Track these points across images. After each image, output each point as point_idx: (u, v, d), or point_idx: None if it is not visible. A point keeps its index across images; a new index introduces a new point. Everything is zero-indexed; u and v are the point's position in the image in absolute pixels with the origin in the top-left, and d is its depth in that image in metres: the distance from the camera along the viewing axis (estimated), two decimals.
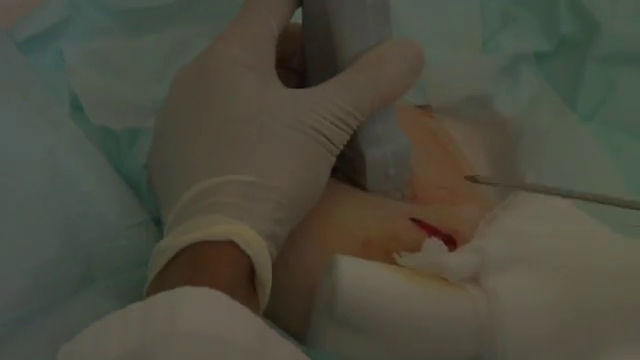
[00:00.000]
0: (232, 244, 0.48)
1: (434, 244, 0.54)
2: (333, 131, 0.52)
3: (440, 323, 0.52)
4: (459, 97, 0.70)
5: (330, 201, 0.55)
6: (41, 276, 0.56)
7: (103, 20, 0.70)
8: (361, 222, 0.57)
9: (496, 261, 0.54)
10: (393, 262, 0.54)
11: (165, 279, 0.48)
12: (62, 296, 0.57)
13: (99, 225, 0.59)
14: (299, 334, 0.55)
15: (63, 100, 0.66)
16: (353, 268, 0.52)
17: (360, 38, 0.54)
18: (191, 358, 0.40)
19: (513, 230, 0.57)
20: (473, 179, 0.56)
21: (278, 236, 0.50)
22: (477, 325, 0.52)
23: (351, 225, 0.57)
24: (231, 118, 0.51)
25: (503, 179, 0.54)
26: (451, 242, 0.57)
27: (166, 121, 0.54)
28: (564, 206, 0.59)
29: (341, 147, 0.53)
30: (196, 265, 0.47)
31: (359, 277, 0.51)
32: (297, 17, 0.56)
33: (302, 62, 0.59)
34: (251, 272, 0.49)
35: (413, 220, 0.58)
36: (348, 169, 0.58)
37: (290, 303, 0.55)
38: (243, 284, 0.48)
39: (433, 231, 0.57)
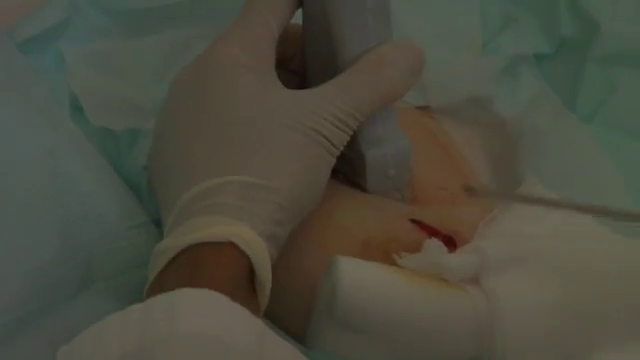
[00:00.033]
0: (232, 245, 0.48)
1: (434, 245, 0.54)
2: (333, 132, 0.52)
3: (440, 324, 0.52)
4: (459, 98, 0.70)
5: (330, 202, 0.55)
6: (41, 277, 0.56)
7: (103, 21, 0.70)
8: (361, 223, 0.57)
9: (496, 262, 0.54)
10: (393, 263, 0.54)
11: (165, 280, 0.48)
12: (62, 297, 0.57)
13: (99, 226, 0.59)
14: (299, 335, 0.55)
15: (63, 101, 0.65)
16: (353, 269, 0.52)
17: (360, 39, 0.54)
18: (190, 359, 0.40)
19: (513, 231, 0.57)
20: (471, 190, 0.56)
21: (278, 237, 0.50)
22: (477, 325, 0.52)
23: (351, 226, 0.57)
24: (231, 119, 0.51)
25: (501, 190, 0.54)
26: (451, 243, 0.57)
27: (166, 122, 0.54)
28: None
29: (341, 148, 0.53)
30: (196, 266, 0.47)
31: (359, 278, 0.52)
32: (297, 18, 0.56)
33: (302, 63, 0.59)
34: (251, 273, 0.49)
35: (413, 221, 0.58)
36: (348, 170, 0.58)
37: (290, 304, 0.56)
38: (243, 285, 0.48)
39: (433, 232, 0.57)
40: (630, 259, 0.55)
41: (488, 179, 0.67)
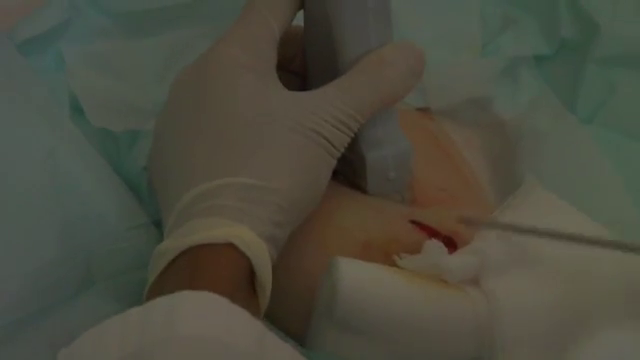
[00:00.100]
0: (232, 246, 0.48)
1: (434, 246, 0.54)
2: (334, 134, 0.52)
3: (440, 324, 0.52)
4: (459, 99, 0.70)
5: (330, 203, 0.55)
6: (41, 278, 0.56)
7: (103, 22, 0.70)
8: (361, 225, 0.57)
9: (495, 263, 0.54)
10: (393, 264, 0.54)
11: (165, 281, 0.48)
12: (62, 298, 0.57)
13: (99, 227, 0.59)
14: (299, 336, 0.55)
15: (63, 102, 0.65)
16: (353, 270, 0.52)
17: (361, 41, 0.54)
18: None
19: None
20: (467, 220, 0.56)
21: (278, 239, 0.50)
22: (477, 326, 0.52)
23: (351, 227, 0.57)
24: (231, 120, 0.51)
25: (498, 221, 0.55)
26: (451, 244, 0.57)
27: (166, 123, 0.54)
28: (564, 208, 0.60)
29: (342, 150, 0.53)
30: (196, 267, 0.47)
31: (359, 279, 0.52)
32: (298, 19, 0.56)
33: (303, 64, 0.59)
34: (251, 274, 0.49)
35: (413, 222, 0.58)
36: (348, 172, 0.58)
37: (290, 305, 0.55)
38: (243, 286, 0.48)
39: (433, 233, 0.57)
40: (630, 260, 0.55)
41: (488, 180, 0.67)
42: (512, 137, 0.69)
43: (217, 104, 0.52)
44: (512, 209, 0.59)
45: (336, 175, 0.56)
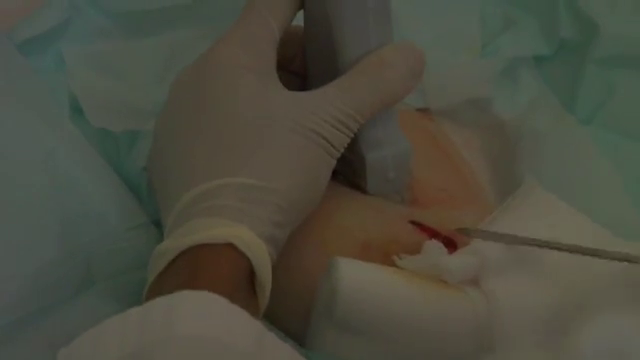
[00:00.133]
0: (231, 246, 0.48)
1: (434, 246, 0.55)
2: (334, 134, 0.52)
3: (440, 325, 0.52)
4: (458, 100, 0.70)
5: (330, 204, 0.55)
6: (40, 278, 0.56)
7: (103, 22, 0.70)
8: (361, 225, 0.57)
9: (495, 263, 0.54)
10: (393, 264, 0.54)
11: (164, 281, 0.48)
12: (62, 298, 0.57)
13: (99, 227, 0.59)
14: (299, 336, 0.55)
15: (63, 102, 0.65)
16: (353, 270, 0.52)
17: (361, 41, 0.54)
18: None
19: (512, 232, 0.57)
20: (465, 231, 0.56)
21: (278, 239, 0.50)
22: (476, 327, 0.52)
23: (351, 228, 0.57)
24: (231, 120, 0.51)
25: (495, 232, 0.55)
26: (451, 244, 0.57)
27: (166, 123, 0.54)
28: (563, 208, 0.60)
29: (342, 150, 0.53)
30: (195, 267, 0.47)
31: (359, 279, 0.52)
32: (298, 19, 0.56)
33: (303, 65, 0.59)
34: (251, 274, 0.49)
35: (413, 223, 0.58)
36: (348, 172, 0.58)
37: (290, 305, 0.56)
38: (243, 286, 0.48)
39: (433, 234, 0.58)
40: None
41: (487, 180, 0.67)
42: (511, 137, 0.69)
43: (217, 104, 0.52)
44: (512, 210, 0.60)
45: (336, 175, 0.56)
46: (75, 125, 0.64)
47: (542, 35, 0.73)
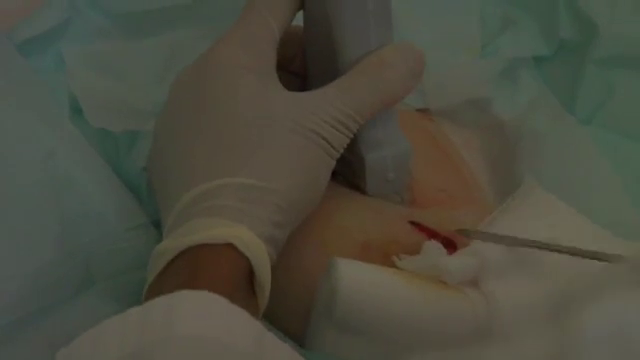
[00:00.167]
0: (231, 247, 0.48)
1: (433, 247, 0.55)
2: (333, 134, 0.52)
3: (439, 326, 0.52)
4: (458, 100, 0.70)
5: (330, 204, 0.55)
6: (40, 278, 0.56)
7: (103, 22, 0.70)
8: (360, 225, 0.57)
9: (495, 264, 0.54)
10: (392, 265, 0.54)
11: (164, 281, 0.48)
12: (61, 298, 0.57)
13: (98, 227, 0.59)
14: (298, 336, 0.55)
15: (62, 102, 0.65)
16: (352, 271, 0.52)
17: (361, 42, 0.54)
18: None
19: (512, 233, 0.57)
20: (465, 232, 0.56)
21: (277, 239, 0.50)
22: (476, 328, 0.52)
23: (350, 228, 0.57)
24: (231, 120, 0.51)
25: (495, 233, 0.55)
26: (450, 245, 0.57)
27: (166, 123, 0.54)
28: (563, 209, 0.60)
29: (341, 150, 0.53)
30: (195, 267, 0.47)
31: (358, 280, 0.52)
32: (298, 20, 0.56)
33: (303, 65, 0.59)
34: (250, 274, 0.49)
35: (412, 223, 0.58)
36: (348, 172, 0.58)
37: (289, 305, 0.56)
38: (242, 286, 0.48)
39: (432, 234, 0.58)
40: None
41: (487, 181, 0.67)
42: (511, 138, 0.69)
43: (217, 104, 0.52)
44: (511, 210, 0.60)
45: (335, 176, 0.56)
46: (75, 125, 0.64)
47: (542, 35, 0.73)
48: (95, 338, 0.42)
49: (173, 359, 0.40)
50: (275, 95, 0.52)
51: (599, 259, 0.52)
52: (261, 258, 0.48)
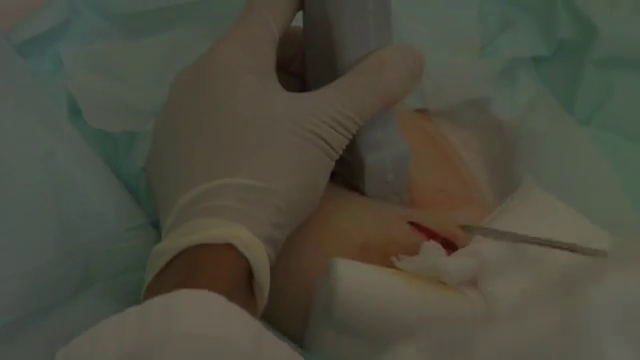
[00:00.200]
0: (230, 247, 0.48)
1: (432, 247, 0.55)
2: (333, 135, 0.52)
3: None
4: (457, 101, 0.70)
5: (328, 205, 0.55)
6: (40, 278, 0.56)
7: (102, 23, 0.70)
8: (359, 226, 0.57)
9: (494, 264, 0.54)
10: (391, 266, 0.54)
11: (162, 281, 0.48)
12: (61, 298, 0.57)
13: (97, 228, 0.59)
14: (297, 337, 0.55)
15: (61, 103, 0.65)
16: (351, 271, 0.52)
17: (361, 43, 0.54)
18: None
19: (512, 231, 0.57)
20: (469, 228, 0.56)
21: (276, 240, 0.50)
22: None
23: (349, 229, 0.57)
24: (230, 121, 0.51)
25: (499, 230, 0.55)
26: (449, 246, 0.57)
27: (165, 123, 0.54)
28: (562, 209, 0.60)
29: (340, 152, 0.53)
30: (194, 267, 0.47)
31: (357, 280, 0.52)
32: (298, 20, 0.56)
33: (302, 65, 0.59)
34: (249, 275, 0.49)
35: (411, 224, 0.58)
36: (347, 173, 0.58)
37: (288, 306, 0.56)
38: (241, 286, 0.48)
39: (431, 235, 0.58)
40: None
41: (486, 181, 0.68)
42: (510, 138, 0.69)
43: (216, 105, 0.52)
44: (510, 210, 0.60)
45: (334, 177, 0.56)
46: (74, 126, 0.63)
47: (541, 36, 0.73)
48: (94, 338, 0.42)
49: (172, 358, 0.40)
50: (274, 96, 0.52)
51: (599, 256, 0.52)
52: (260, 259, 0.48)
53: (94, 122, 0.65)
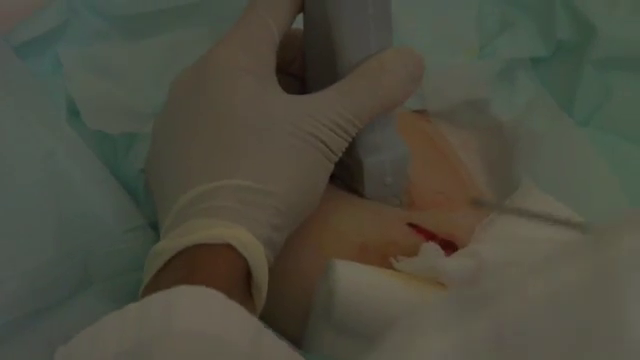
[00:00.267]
0: (229, 247, 0.48)
1: (431, 248, 0.55)
2: (332, 138, 0.52)
3: None
4: (456, 102, 0.69)
5: (327, 207, 0.55)
6: (38, 278, 0.56)
7: (101, 24, 0.69)
8: (358, 228, 0.57)
9: (492, 265, 0.54)
10: (390, 267, 0.54)
11: (160, 281, 0.48)
12: (59, 299, 0.57)
13: (96, 229, 0.59)
14: (296, 338, 0.55)
15: (60, 104, 0.65)
16: (350, 272, 0.52)
17: (361, 46, 0.54)
18: (187, 357, 0.41)
19: (510, 234, 0.57)
20: (478, 202, 0.56)
21: (275, 242, 0.50)
22: None
23: (348, 231, 0.57)
24: (230, 122, 0.51)
25: (508, 205, 0.55)
26: (448, 247, 0.57)
27: (164, 124, 0.54)
28: (561, 210, 0.60)
29: (340, 154, 0.53)
30: (192, 267, 0.47)
31: (356, 281, 0.52)
32: (298, 22, 0.56)
33: (302, 68, 0.59)
34: (247, 276, 0.49)
35: (410, 225, 0.58)
36: (346, 176, 0.58)
37: (287, 308, 0.56)
38: (239, 287, 0.48)
39: (430, 236, 0.58)
40: None
41: (485, 182, 0.67)
42: (509, 139, 0.69)
43: (216, 106, 0.52)
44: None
45: (333, 179, 0.56)
46: (72, 127, 0.63)
47: (539, 36, 0.73)
48: (94, 335, 0.42)
49: (171, 354, 0.40)
50: (274, 98, 0.52)
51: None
52: (259, 259, 0.48)
53: (93, 124, 0.65)
